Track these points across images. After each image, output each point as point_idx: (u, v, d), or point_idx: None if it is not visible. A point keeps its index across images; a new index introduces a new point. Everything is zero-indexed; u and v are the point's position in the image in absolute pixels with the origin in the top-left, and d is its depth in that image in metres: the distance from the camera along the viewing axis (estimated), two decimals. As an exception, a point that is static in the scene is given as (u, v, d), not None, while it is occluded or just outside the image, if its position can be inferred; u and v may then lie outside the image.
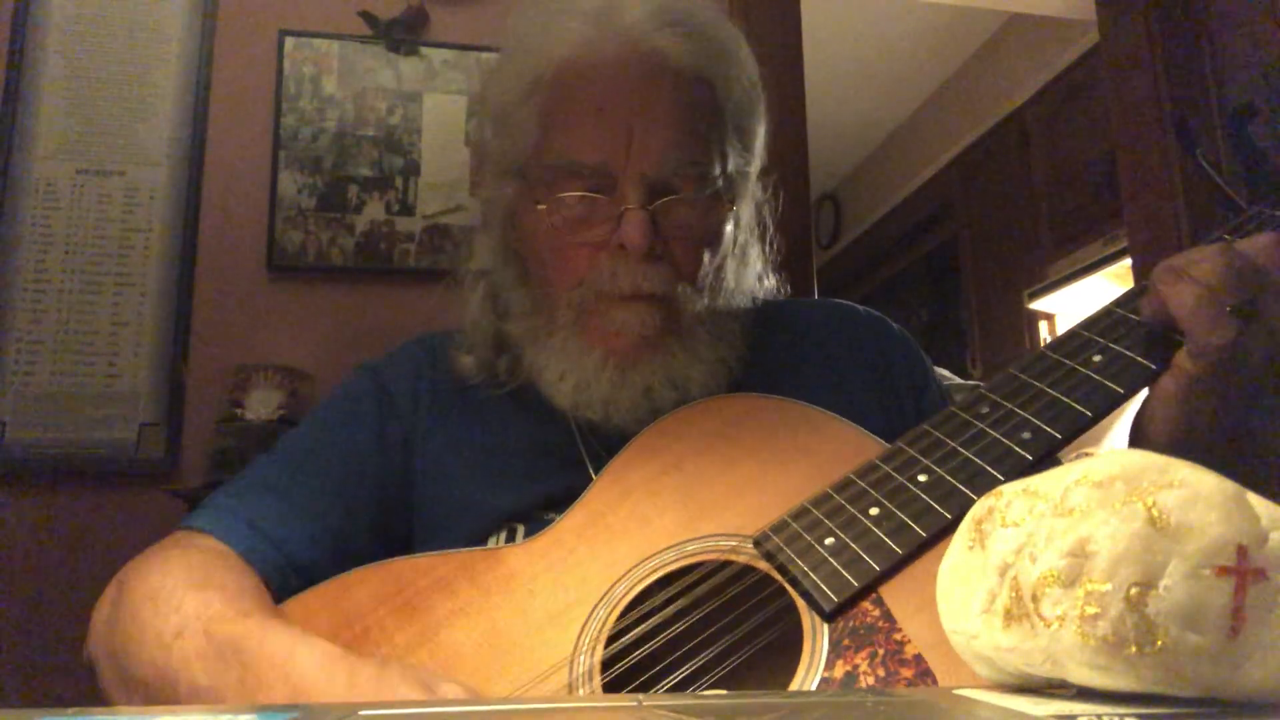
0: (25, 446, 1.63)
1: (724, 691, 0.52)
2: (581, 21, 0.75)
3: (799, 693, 0.48)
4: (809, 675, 0.50)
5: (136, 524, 1.63)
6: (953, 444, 0.60)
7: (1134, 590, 0.30)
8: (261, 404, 1.67)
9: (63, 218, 1.72)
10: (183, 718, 0.38)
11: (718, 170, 0.76)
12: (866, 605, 0.53)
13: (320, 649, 0.55)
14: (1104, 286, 2.64)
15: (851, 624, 0.52)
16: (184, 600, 0.62)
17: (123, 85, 1.78)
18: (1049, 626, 0.31)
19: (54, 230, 1.71)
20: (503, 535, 0.73)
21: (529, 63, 0.77)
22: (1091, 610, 0.30)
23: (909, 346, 0.89)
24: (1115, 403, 0.60)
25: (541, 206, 0.75)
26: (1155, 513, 0.31)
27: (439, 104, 1.88)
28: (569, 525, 0.65)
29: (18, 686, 1.54)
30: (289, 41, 1.84)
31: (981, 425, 0.61)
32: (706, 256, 0.77)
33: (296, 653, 0.55)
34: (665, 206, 0.73)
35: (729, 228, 0.80)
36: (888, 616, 0.52)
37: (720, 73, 0.76)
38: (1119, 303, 0.66)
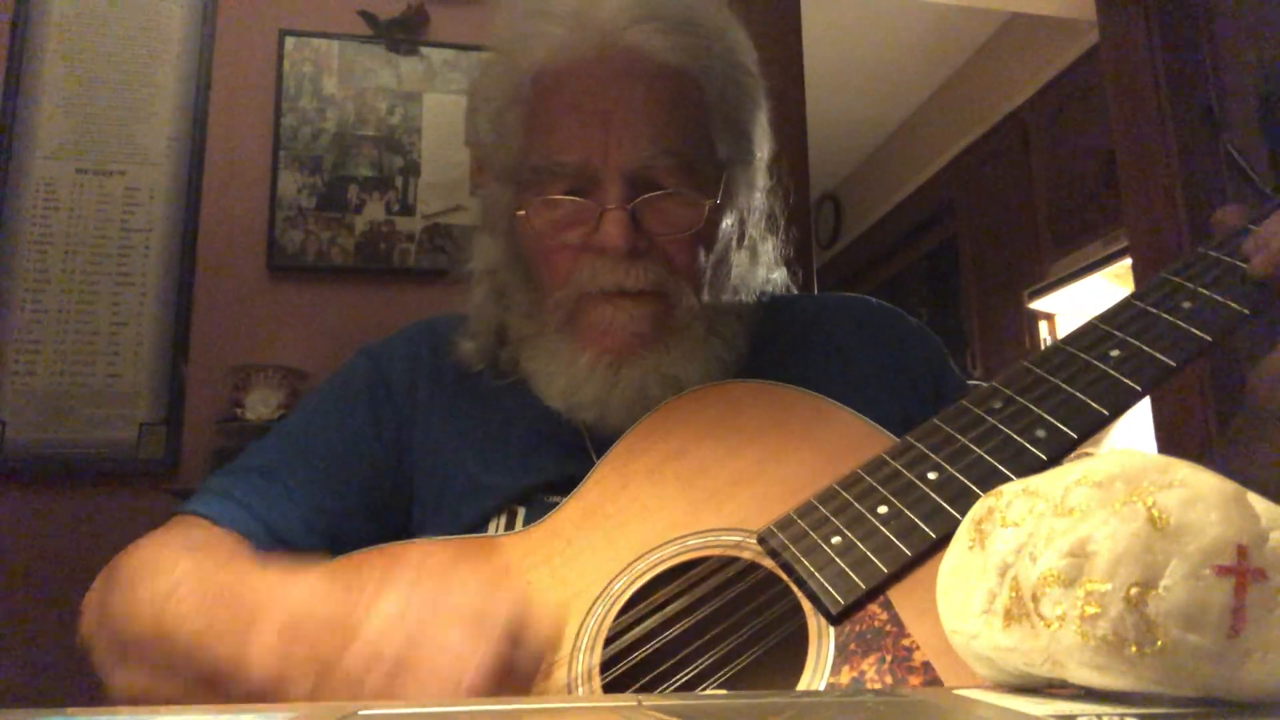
0: (25, 446, 1.63)
1: (725, 691, 0.52)
2: (557, 24, 0.74)
3: (800, 693, 0.48)
4: (814, 680, 0.49)
5: (136, 524, 1.62)
6: (964, 440, 0.58)
7: (1134, 590, 0.30)
8: (261, 404, 1.67)
9: (63, 218, 1.72)
10: (183, 718, 0.38)
11: (705, 162, 0.75)
12: (874, 609, 0.51)
13: (313, 574, 0.53)
14: (1104, 286, 2.64)
15: (858, 628, 0.51)
16: (176, 563, 0.62)
17: (123, 85, 1.78)
18: (1049, 626, 0.31)
19: (54, 230, 1.71)
20: (503, 519, 0.72)
21: (510, 70, 0.77)
22: (1091, 610, 0.30)
23: (926, 338, 0.87)
24: (1134, 400, 0.57)
25: (521, 212, 0.74)
26: (1155, 513, 0.31)
27: (439, 104, 1.88)
28: (567, 516, 0.64)
29: (18, 686, 1.54)
30: (289, 41, 1.84)
31: (994, 421, 0.58)
32: (701, 251, 0.75)
33: (288, 581, 0.54)
34: (647, 202, 0.72)
35: (727, 221, 0.78)
36: (896, 621, 0.50)
37: (702, 64, 0.75)
38: (1137, 296, 0.63)
